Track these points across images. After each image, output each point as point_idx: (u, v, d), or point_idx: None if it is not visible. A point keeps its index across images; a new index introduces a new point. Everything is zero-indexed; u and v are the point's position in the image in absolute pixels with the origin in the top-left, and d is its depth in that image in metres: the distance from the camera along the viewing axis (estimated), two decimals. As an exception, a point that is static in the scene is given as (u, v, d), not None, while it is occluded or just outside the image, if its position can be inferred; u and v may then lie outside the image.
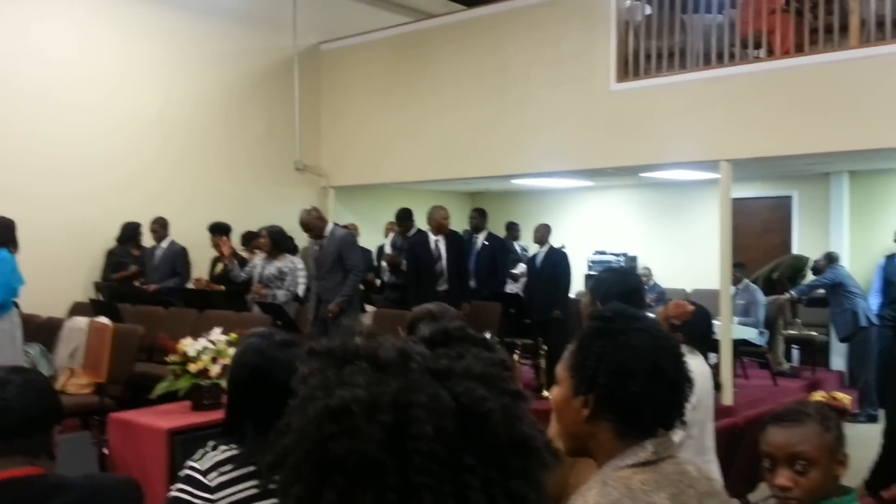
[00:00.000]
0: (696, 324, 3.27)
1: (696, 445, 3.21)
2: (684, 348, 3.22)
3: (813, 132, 6.56)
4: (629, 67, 7.53)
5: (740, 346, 7.95)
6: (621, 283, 2.66)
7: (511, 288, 8.77)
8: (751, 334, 7.88)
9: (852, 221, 9.75)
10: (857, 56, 6.35)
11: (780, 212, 10.38)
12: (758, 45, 6.99)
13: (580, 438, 1.35)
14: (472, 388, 0.72)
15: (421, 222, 8.24)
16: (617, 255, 11.18)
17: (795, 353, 9.63)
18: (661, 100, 7.29)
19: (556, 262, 7.80)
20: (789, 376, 8.69)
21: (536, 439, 0.73)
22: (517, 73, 8.25)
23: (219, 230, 7.80)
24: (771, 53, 6.85)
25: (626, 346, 1.32)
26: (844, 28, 6.50)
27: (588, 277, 10.30)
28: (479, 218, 8.43)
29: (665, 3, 7.34)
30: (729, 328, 6.96)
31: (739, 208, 10.55)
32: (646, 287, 9.83)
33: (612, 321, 1.36)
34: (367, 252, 9.39)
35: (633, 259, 11.17)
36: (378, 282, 8.81)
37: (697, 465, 1.41)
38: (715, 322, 7.53)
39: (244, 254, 7.87)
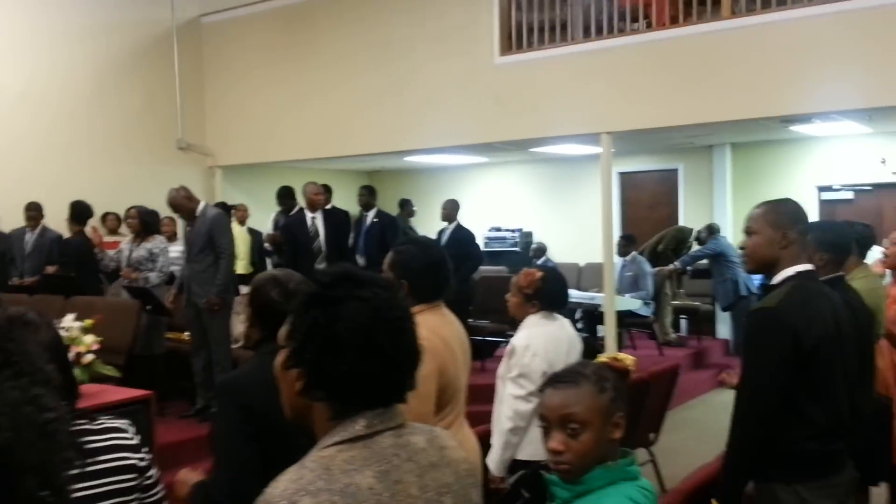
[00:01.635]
0: (549, 290, 3.34)
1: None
2: (541, 314, 3.28)
3: (691, 103, 6.59)
4: (513, 41, 7.42)
5: (627, 318, 8.02)
6: (423, 255, 2.50)
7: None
8: (635, 305, 7.94)
9: (735, 193, 9.97)
10: (730, 27, 6.39)
11: (667, 185, 10.54)
12: (636, 18, 6.97)
13: (298, 410, 1.25)
14: None
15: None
16: (512, 230, 11.19)
17: (683, 323, 9.82)
18: (544, 73, 7.22)
19: (463, 241, 7.58)
20: (676, 346, 8.82)
21: None
22: (402, 47, 8.05)
23: (78, 216, 7.37)
24: (650, 26, 6.84)
25: (340, 317, 1.19)
26: (717, 0, 6.54)
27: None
28: (367, 195, 8.19)
29: (547, -25, 7.25)
30: (612, 299, 6.97)
31: (628, 182, 10.75)
32: (537, 261, 9.93)
33: (332, 287, 1.24)
34: (257, 234, 9.09)
35: (529, 235, 11.19)
36: (268, 262, 8.52)
37: (437, 433, 1.29)
38: (599, 294, 7.67)
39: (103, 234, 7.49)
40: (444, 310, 2.58)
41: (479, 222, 10.98)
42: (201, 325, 5.90)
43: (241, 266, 8.18)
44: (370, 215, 8.06)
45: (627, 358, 1.77)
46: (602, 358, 1.76)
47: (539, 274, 3.31)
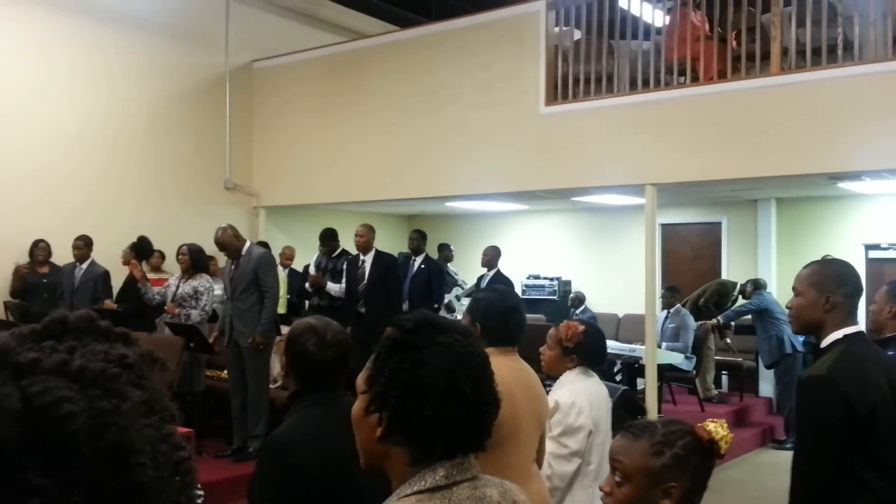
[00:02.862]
0: (589, 345, 3.28)
1: (596, 473, 3.10)
2: (579, 370, 3.24)
3: (737, 157, 6.56)
4: (558, 91, 7.48)
5: (668, 372, 7.90)
6: (500, 302, 2.62)
7: (446, 316, 8.62)
8: (677, 359, 7.83)
9: (779, 248, 9.84)
10: (779, 83, 6.37)
11: (710, 237, 10.46)
12: (683, 72, 6.99)
13: (375, 457, 1.27)
14: (54, 388, 0.57)
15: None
16: (551, 279, 11.18)
17: (725, 378, 9.64)
18: (589, 123, 7.25)
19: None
20: (717, 402, 8.65)
21: (142, 453, 0.59)
22: (448, 94, 8.16)
23: (140, 252, 7.54)
24: (696, 80, 6.85)
25: (423, 363, 1.22)
26: (767, 56, 6.53)
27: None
28: (419, 240, 8.36)
29: (594, 28, 7.33)
30: (654, 352, 6.88)
31: (670, 234, 10.68)
32: (576, 311, 9.88)
33: (413, 333, 1.27)
34: (296, 273, 9.18)
35: (567, 283, 11.17)
36: (307, 303, 8.58)
37: (508, 486, 1.31)
38: (639, 346, 7.59)
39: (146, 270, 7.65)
40: (515, 356, 2.65)
41: (517, 269, 10.97)
42: (242, 364, 5.94)
43: (281, 305, 8.26)
44: (418, 260, 8.20)
45: (718, 431, 1.63)
46: (708, 425, 1.64)
47: (581, 328, 3.25)
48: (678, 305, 8.55)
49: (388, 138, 8.60)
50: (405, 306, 7.63)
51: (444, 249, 10.01)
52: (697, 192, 9.16)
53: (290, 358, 2.27)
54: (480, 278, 8.31)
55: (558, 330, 3.29)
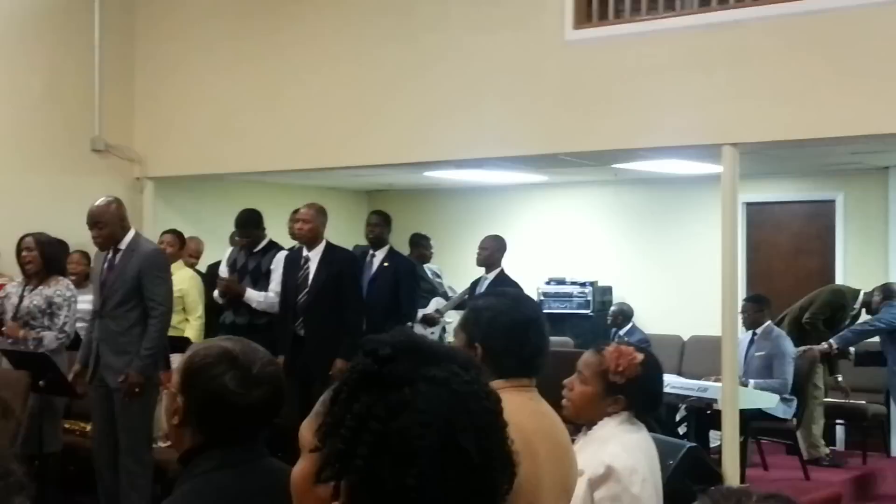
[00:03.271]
0: (647, 381, 3.33)
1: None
2: (625, 417, 3.26)
3: (858, 105, 6.56)
4: (593, 8, 7.48)
5: (756, 421, 7.94)
6: (511, 311, 2.66)
7: (422, 333, 8.63)
8: (769, 402, 7.86)
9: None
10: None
11: (818, 223, 10.54)
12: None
13: None
14: None
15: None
16: (581, 284, 11.21)
17: (840, 430, 9.68)
18: (637, 56, 7.26)
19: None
20: (829, 465, 8.69)
21: None
22: (429, 13, 8.15)
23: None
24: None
25: (405, 408, 1.23)
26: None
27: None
28: (380, 226, 8.42)
29: (646, -90, 7.33)
30: (735, 392, 6.91)
31: (759, 218, 10.74)
32: (618, 332, 9.91)
33: (392, 363, 1.27)
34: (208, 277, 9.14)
35: (606, 291, 11.20)
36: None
37: None
38: (712, 384, 7.63)
39: None
40: (533, 393, 2.72)
41: (532, 271, 11.01)
42: (112, 412, 5.96)
43: (193, 328, 8.26)
44: (379, 256, 8.26)
45: None
46: None
47: (640, 356, 3.27)
48: (768, 324, 8.56)
49: (339, 79, 8.57)
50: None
51: (419, 242, 10.01)
52: (799, 158, 9.18)
53: (191, 400, 2.27)
54: (475, 284, 8.33)
55: (602, 356, 3.31)
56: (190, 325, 8.23)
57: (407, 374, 1.25)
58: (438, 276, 10.14)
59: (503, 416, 1.31)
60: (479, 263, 8.33)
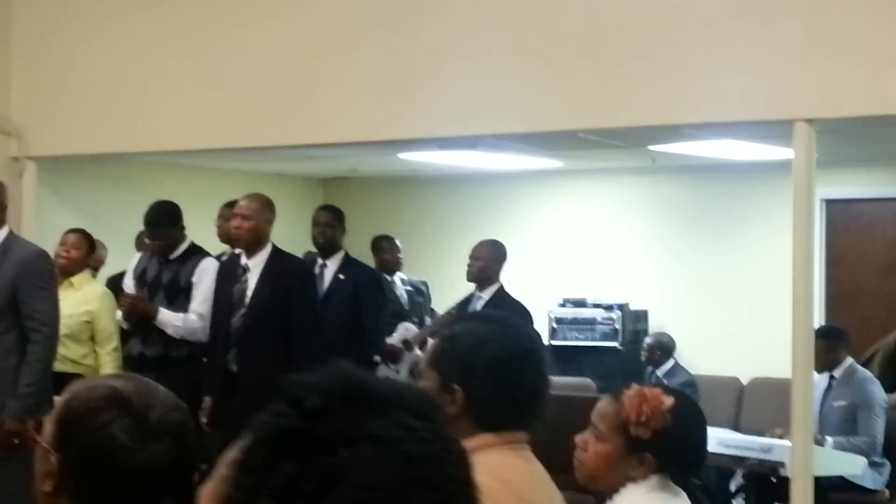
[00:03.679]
0: (679, 434, 3.30)
1: None
2: (657, 482, 3.26)
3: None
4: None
5: (837, 492, 7.95)
6: (497, 340, 2.62)
7: (386, 372, 8.67)
8: (854, 468, 7.87)
9: None
10: None
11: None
12: None
13: None
14: None
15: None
16: (607, 307, 11.26)
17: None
18: (683, 3, 7.25)
19: None
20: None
21: None
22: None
23: None
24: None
25: (343, 479, 1.20)
26: None
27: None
28: (332, 226, 8.40)
29: None
30: (808, 453, 6.90)
31: (845, 220, 10.78)
32: (655, 371, 9.90)
33: (323, 416, 1.24)
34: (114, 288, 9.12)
35: (640, 317, 11.29)
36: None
37: None
38: (779, 442, 7.61)
39: None
40: (526, 452, 2.75)
41: (541, 289, 11.08)
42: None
43: (108, 363, 8.20)
44: (332, 266, 8.29)
45: None
46: None
47: (668, 401, 3.27)
48: (850, 363, 8.54)
49: (283, 29, 8.56)
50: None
51: (382, 245, 10.00)
52: (892, 136, 9.19)
53: (68, 458, 2.25)
54: (465, 303, 8.35)
55: (620, 403, 3.29)
56: (102, 359, 7.98)
57: (343, 431, 1.23)
58: (421, 293, 10.16)
59: (476, 487, 1.29)
60: (471, 278, 8.36)
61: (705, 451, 3.53)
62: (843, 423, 8.33)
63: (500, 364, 2.65)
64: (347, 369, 1.32)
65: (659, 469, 3.26)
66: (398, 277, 10.10)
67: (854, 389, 8.43)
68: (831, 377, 8.50)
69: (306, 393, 1.28)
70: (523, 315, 7.85)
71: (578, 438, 3.36)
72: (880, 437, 8.27)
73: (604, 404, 3.35)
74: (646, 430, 3.24)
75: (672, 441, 3.25)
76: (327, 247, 8.44)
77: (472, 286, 8.37)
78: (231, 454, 1.30)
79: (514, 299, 8.18)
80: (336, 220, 8.50)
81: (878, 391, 8.41)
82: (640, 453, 3.25)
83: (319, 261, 8.44)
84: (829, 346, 8.50)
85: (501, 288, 8.24)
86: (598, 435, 3.31)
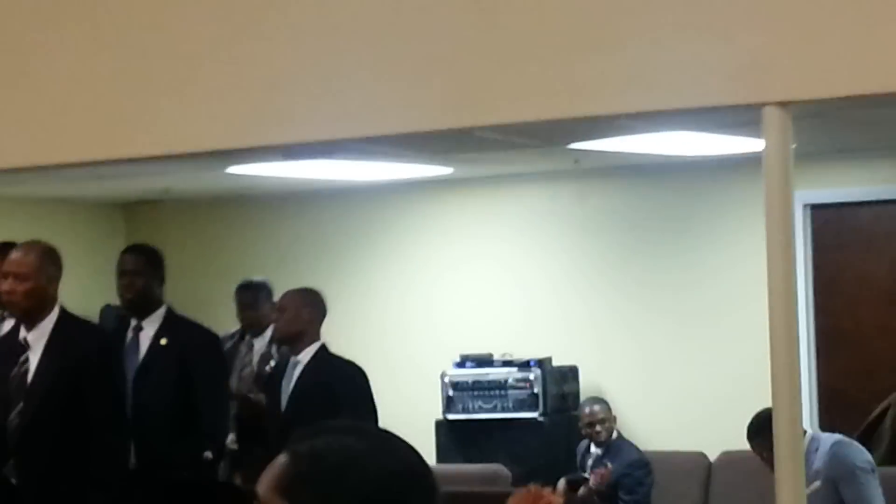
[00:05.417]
0: None
1: None
2: None
3: None
4: None
5: None
6: (378, 461, 2.64)
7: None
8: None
9: None
10: None
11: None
12: None
13: None
14: None
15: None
16: (522, 364, 11.24)
17: None
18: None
19: (337, 395, 8.26)
20: None
21: None
22: None
23: None
24: None
25: None
26: None
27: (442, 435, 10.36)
28: (144, 274, 8.29)
29: None
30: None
31: (835, 229, 10.86)
32: (591, 449, 9.97)
33: None
34: None
35: (567, 375, 11.29)
36: None
37: None
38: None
39: None
40: None
41: (429, 343, 11.22)
42: None
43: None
44: (149, 327, 8.27)
45: None
46: None
47: (558, 500, 3.34)
48: (808, 432, 8.60)
49: (77, 26, 8.59)
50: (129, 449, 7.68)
51: (251, 295, 9.97)
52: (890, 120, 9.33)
53: None
54: (279, 372, 8.67)
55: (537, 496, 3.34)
56: None
57: None
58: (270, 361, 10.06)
59: None
60: (278, 338, 8.90)
61: None
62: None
63: (384, 489, 2.65)
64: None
65: None
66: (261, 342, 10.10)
67: (826, 461, 8.52)
68: (813, 451, 8.55)
69: None
70: (358, 377, 8.35)
71: None
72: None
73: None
74: None
75: None
76: (140, 303, 8.31)
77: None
78: None
79: (342, 359, 8.46)
80: (149, 266, 8.37)
81: (855, 454, 8.57)
82: None
83: (132, 322, 8.33)
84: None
85: (324, 347, 8.43)
86: None
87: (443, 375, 11.24)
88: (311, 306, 8.66)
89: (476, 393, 11.20)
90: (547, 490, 3.40)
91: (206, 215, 12.29)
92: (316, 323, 8.60)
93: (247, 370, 9.77)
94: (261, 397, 9.20)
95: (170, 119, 8.45)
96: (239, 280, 10.41)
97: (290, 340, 8.58)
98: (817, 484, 8.40)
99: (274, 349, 9.71)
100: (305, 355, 8.44)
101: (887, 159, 10.62)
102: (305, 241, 11.98)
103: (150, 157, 8.95)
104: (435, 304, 11.47)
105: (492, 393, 11.19)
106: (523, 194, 11.70)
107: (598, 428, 10.18)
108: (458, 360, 11.39)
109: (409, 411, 10.24)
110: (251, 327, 9.92)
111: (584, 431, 10.31)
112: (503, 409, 11.16)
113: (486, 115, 8.12)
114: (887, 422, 9.08)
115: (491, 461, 10.12)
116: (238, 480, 8.85)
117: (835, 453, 8.49)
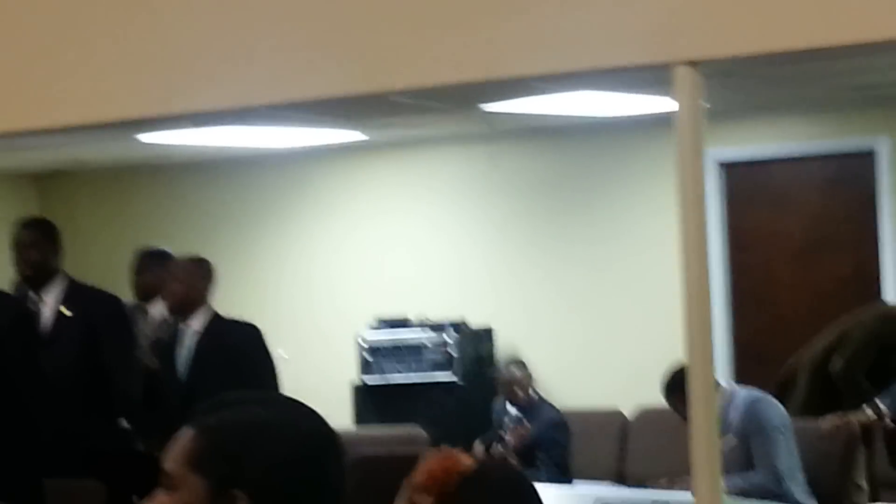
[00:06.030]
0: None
1: None
2: None
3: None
4: None
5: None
6: (292, 429, 2.64)
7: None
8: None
9: None
10: None
11: (848, 192, 10.80)
12: None
13: None
14: None
15: None
16: (437, 327, 11.30)
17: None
18: None
19: (237, 356, 8.40)
20: None
21: None
22: None
23: None
24: None
25: None
26: None
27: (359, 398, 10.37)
28: (41, 245, 8.24)
29: None
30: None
31: (749, 189, 10.90)
32: (508, 408, 9.99)
33: None
34: None
35: (482, 337, 11.36)
36: None
37: None
38: (676, 494, 7.74)
39: None
40: None
41: (344, 307, 11.25)
42: None
43: None
44: (50, 299, 8.22)
45: None
46: None
47: (465, 464, 3.39)
48: (722, 385, 8.59)
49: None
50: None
51: (148, 266, 9.91)
52: (809, 81, 9.33)
53: None
54: (171, 340, 8.70)
55: (417, 472, 3.36)
56: None
57: None
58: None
59: None
60: (170, 306, 8.84)
61: None
62: (738, 461, 8.37)
63: (300, 459, 2.65)
64: None
65: None
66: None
67: (740, 416, 8.50)
68: (726, 398, 8.53)
69: None
70: (254, 337, 8.43)
71: None
72: (782, 468, 8.28)
73: (421, 473, 3.35)
74: (449, 494, 3.29)
75: None
76: (39, 274, 8.24)
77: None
78: None
79: (235, 320, 8.56)
80: (45, 238, 8.31)
81: (770, 412, 8.55)
82: None
83: (31, 294, 8.24)
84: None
85: (216, 314, 8.53)
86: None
87: (359, 338, 11.27)
88: (199, 273, 8.77)
89: (392, 356, 11.23)
90: (458, 450, 3.34)
91: (120, 185, 12.23)
92: (206, 290, 8.71)
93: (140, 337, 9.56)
94: (155, 362, 9.09)
95: (77, 89, 8.37)
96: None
97: (181, 308, 8.60)
98: (732, 439, 8.41)
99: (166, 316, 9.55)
100: (197, 322, 8.53)
101: (799, 116, 10.69)
102: (219, 208, 11.93)
103: (58, 127, 8.90)
104: (351, 269, 11.50)
105: (408, 356, 11.23)
106: (437, 158, 11.73)
107: (515, 388, 10.21)
108: (373, 323, 11.44)
109: (327, 375, 10.25)
110: (144, 295, 9.83)
111: (501, 392, 10.35)
112: (419, 372, 11.20)
113: (398, 78, 8.10)
114: (796, 377, 9.09)
115: (408, 423, 10.04)
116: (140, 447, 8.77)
117: (751, 410, 8.49)
